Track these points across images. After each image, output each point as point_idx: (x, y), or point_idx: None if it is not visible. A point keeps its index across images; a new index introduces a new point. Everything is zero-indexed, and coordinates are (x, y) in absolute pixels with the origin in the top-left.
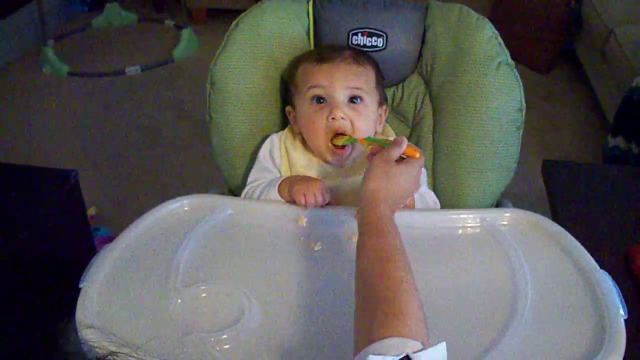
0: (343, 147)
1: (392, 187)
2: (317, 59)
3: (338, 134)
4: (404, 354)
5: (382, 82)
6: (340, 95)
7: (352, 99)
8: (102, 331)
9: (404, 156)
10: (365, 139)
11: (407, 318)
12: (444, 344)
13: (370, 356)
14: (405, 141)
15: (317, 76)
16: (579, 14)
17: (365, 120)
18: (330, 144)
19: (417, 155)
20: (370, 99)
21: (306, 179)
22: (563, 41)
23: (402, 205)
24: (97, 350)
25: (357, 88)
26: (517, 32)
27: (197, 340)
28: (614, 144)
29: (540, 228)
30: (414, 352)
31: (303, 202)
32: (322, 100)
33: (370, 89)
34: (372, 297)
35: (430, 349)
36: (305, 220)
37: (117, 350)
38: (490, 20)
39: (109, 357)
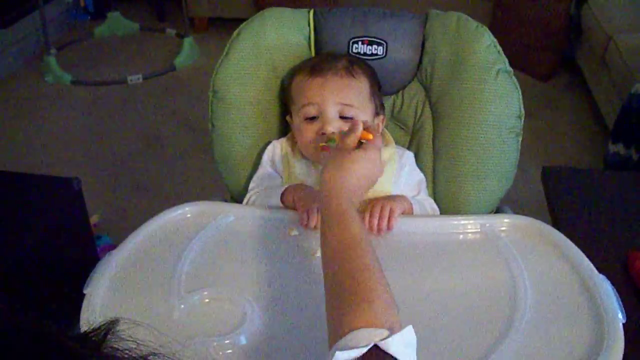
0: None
1: (349, 176)
2: (310, 70)
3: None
4: (371, 344)
5: (379, 91)
6: (332, 111)
7: (343, 116)
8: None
9: (363, 141)
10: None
11: (373, 305)
12: (410, 327)
13: (337, 353)
14: (360, 126)
15: (309, 92)
16: (579, 22)
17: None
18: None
19: (371, 136)
20: (363, 113)
21: (312, 195)
22: (563, 49)
23: (365, 192)
24: (137, 350)
25: (347, 105)
26: (517, 40)
27: (200, 345)
28: (614, 150)
29: (539, 233)
30: (382, 340)
31: (305, 222)
32: (315, 118)
33: (363, 102)
34: (337, 288)
35: (396, 335)
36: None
37: (158, 352)
38: (491, 28)
39: (150, 357)
